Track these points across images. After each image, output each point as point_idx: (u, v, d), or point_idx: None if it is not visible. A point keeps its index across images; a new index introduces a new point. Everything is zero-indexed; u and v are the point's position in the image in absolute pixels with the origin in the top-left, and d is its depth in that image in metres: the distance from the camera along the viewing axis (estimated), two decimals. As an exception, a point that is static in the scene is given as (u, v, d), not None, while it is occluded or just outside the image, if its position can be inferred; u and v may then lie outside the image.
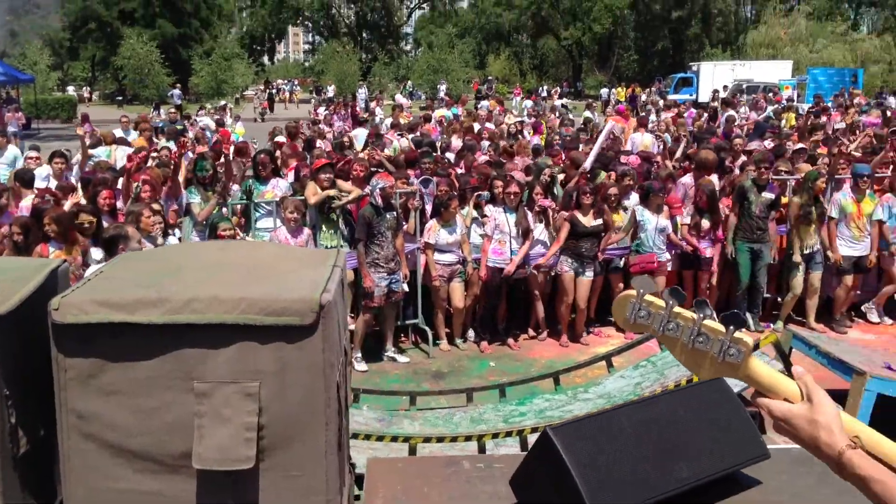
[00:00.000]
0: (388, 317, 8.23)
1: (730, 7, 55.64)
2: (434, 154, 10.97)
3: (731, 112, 18.47)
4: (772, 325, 9.06)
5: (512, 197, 8.38)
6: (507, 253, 8.34)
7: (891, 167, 9.53)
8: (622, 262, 8.86)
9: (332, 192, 8.30)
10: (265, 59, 67.88)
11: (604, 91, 42.52)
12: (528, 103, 28.63)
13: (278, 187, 8.87)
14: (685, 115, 19.54)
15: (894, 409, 5.61)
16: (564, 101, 34.78)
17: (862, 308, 9.38)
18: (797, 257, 8.77)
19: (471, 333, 8.74)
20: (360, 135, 15.14)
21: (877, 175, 9.30)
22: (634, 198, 9.01)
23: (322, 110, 26.96)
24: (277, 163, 9.84)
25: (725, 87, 32.64)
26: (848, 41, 43.85)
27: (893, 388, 5.85)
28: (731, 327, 1.46)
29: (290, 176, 9.79)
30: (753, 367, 1.47)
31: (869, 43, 43.11)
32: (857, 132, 13.48)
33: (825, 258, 8.91)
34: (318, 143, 13.33)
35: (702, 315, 1.49)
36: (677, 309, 1.51)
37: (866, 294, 9.40)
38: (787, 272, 8.99)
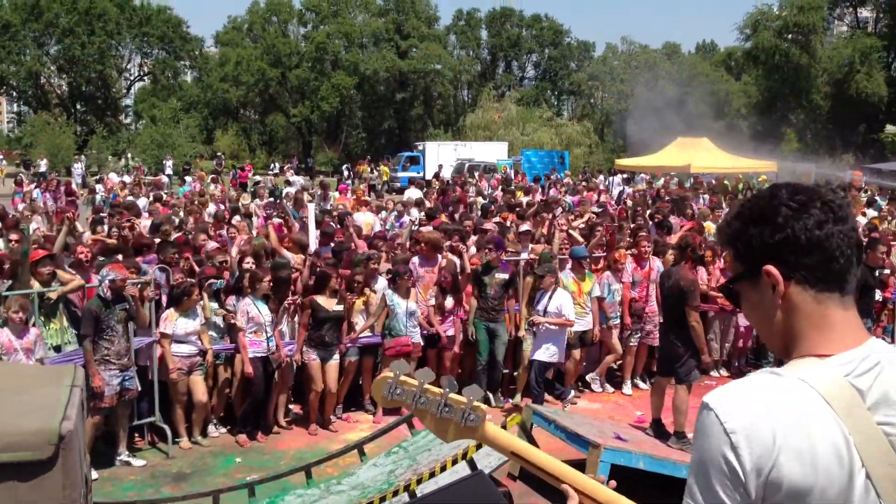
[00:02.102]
0: (120, 416, 7.56)
1: (449, 91, 59.35)
2: (174, 237, 10.42)
3: (459, 192, 19.49)
4: (510, 399, 9.47)
5: (258, 287, 8.14)
6: (265, 343, 8.04)
7: (605, 248, 10.45)
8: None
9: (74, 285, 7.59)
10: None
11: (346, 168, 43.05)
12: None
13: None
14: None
15: (627, 475, 6.05)
16: (300, 177, 34.85)
17: (587, 378, 10.09)
18: (522, 333, 9.25)
19: (211, 428, 8.25)
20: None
21: (594, 255, 10.17)
22: (382, 282, 9.10)
23: (33, 187, 24.71)
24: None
25: (441, 166, 34.53)
26: (553, 126, 48.41)
27: (625, 457, 6.33)
28: (471, 398, 1.78)
29: None
30: (488, 429, 1.81)
31: (571, 128, 47.90)
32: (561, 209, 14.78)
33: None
34: (34, 224, 12.15)
35: (447, 389, 1.80)
36: (427, 386, 1.82)
37: (590, 365, 10.14)
38: (521, 346, 9.49)
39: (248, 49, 58.43)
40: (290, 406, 8.84)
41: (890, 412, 1.41)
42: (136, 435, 8.07)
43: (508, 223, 12.59)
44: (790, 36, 45.82)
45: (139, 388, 7.64)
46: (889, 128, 29.56)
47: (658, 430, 7.87)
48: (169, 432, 7.86)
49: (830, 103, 47.23)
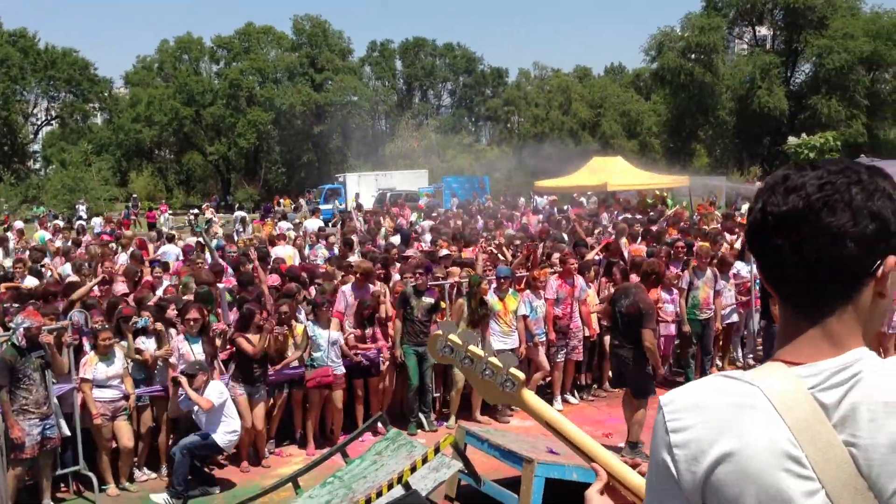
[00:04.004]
0: (43, 466, 7.33)
1: (367, 122, 59.48)
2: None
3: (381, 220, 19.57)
4: (444, 422, 9.50)
5: (192, 324, 8.00)
6: None
7: (527, 266, 10.64)
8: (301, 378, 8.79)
9: None
10: None
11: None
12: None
13: None
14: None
15: (563, 487, 6.14)
16: (217, 215, 34.41)
17: (517, 395, 10.18)
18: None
19: (137, 473, 8.05)
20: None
21: (517, 275, 10.33)
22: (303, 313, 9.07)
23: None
24: None
25: (357, 195, 34.66)
26: (473, 152, 48.96)
27: (558, 470, 6.43)
28: (507, 364, 1.84)
29: None
30: (525, 397, 1.85)
31: (490, 153, 48.51)
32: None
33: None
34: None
35: (486, 354, 1.87)
36: (471, 347, 1.89)
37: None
38: (451, 370, 9.55)
39: (160, 88, 57.48)
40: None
41: (858, 431, 1.25)
42: (62, 484, 7.81)
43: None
44: (693, 56, 47.49)
45: (62, 436, 7.41)
46: (791, 139, 30.82)
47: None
48: (95, 480, 7.63)
49: (735, 119, 49.00)
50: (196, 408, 7.57)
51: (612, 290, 10.50)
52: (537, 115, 52.65)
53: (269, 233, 16.82)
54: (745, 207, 19.61)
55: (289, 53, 60.29)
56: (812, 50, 45.71)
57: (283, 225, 20.17)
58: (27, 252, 15.28)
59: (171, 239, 17.35)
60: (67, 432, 7.49)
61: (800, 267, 1.31)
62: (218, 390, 7.66)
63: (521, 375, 1.84)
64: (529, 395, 1.85)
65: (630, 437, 7.94)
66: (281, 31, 61.59)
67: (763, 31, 53.12)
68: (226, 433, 7.66)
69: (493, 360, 1.85)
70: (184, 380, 7.58)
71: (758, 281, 11.44)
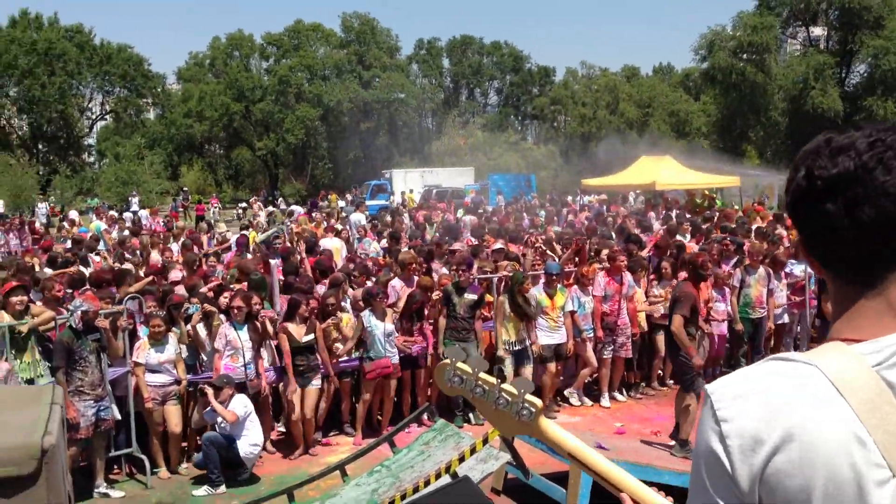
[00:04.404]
0: (97, 448, 7.47)
1: (413, 119, 59.65)
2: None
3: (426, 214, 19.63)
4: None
5: (236, 311, 8.09)
6: (241, 368, 7.99)
7: (576, 262, 10.55)
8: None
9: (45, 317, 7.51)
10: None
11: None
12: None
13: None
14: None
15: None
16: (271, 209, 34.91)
17: (565, 393, 10.14)
18: (501, 353, 9.26)
19: (196, 456, 8.17)
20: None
21: (565, 271, 10.25)
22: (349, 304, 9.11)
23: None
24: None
25: (411, 191, 34.91)
26: (519, 150, 48.80)
27: (607, 464, 6.35)
28: (522, 390, 1.65)
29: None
30: (543, 426, 1.67)
31: (537, 151, 48.32)
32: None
33: (532, 353, 9.53)
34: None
35: (499, 380, 1.67)
36: (483, 375, 1.70)
37: (567, 380, 10.20)
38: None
39: (211, 84, 58.33)
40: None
41: None
42: (114, 466, 7.97)
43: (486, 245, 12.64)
44: (745, 55, 46.73)
45: (116, 418, 7.56)
46: (845, 140, 30.24)
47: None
48: (147, 462, 7.77)
49: (787, 119, 48.14)
50: (220, 420, 7.64)
51: (660, 287, 10.43)
52: (584, 114, 52.30)
53: (317, 227, 16.95)
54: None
55: (337, 50, 60.70)
56: (868, 50, 44.68)
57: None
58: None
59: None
60: (118, 416, 7.63)
61: (854, 231, 1.20)
62: (242, 404, 7.70)
63: (539, 403, 1.67)
64: (548, 424, 1.69)
65: (680, 434, 7.83)
66: (330, 28, 62.13)
67: (817, 31, 52.01)
68: (249, 444, 7.71)
69: (508, 387, 1.68)
70: (209, 391, 7.64)
71: (812, 280, 11.22)
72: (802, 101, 45.59)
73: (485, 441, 6.08)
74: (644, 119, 52.78)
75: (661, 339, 10.28)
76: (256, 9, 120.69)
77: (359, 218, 19.18)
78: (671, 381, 10.60)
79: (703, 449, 1.24)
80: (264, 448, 8.28)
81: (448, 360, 1.73)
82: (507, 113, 62.83)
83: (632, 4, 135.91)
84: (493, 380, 1.69)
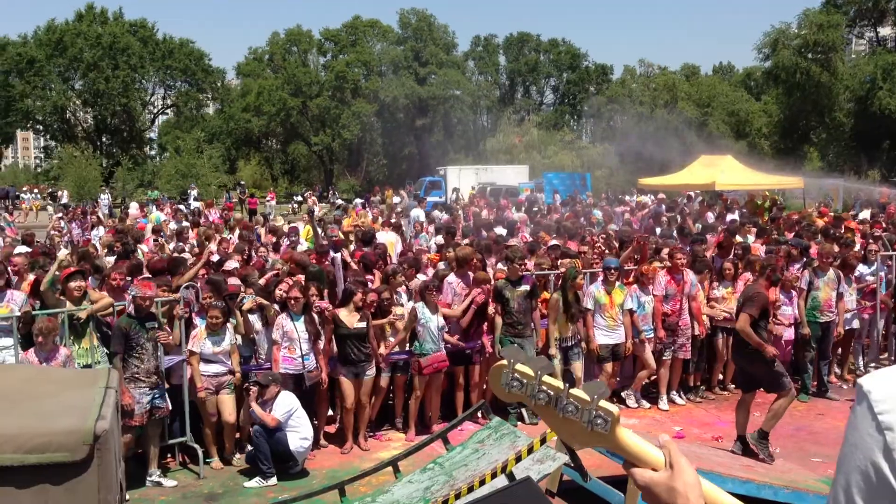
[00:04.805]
0: (151, 436, 7.47)
1: (469, 116, 59.57)
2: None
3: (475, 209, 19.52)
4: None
5: (293, 302, 8.04)
6: (298, 359, 7.95)
7: (636, 260, 10.27)
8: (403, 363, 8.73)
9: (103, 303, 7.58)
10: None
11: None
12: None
13: (14, 301, 7.85)
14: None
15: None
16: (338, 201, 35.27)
17: (622, 394, 9.89)
18: (553, 350, 9.06)
19: (248, 448, 8.14)
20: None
21: (625, 269, 9.99)
22: (404, 297, 8.98)
23: (57, 217, 24.99)
24: (10, 274, 8.77)
25: (457, 189, 34.83)
26: (575, 148, 48.31)
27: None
28: (595, 396, 1.45)
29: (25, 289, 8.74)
30: (621, 436, 1.45)
31: (592, 150, 47.79)
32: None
33: (582, 349, 9.32)
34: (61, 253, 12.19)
35: (567, 385, 1.47)
36: (547, 378, 1.49)
37: (624, 381, 9.95)
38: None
39: (269, 79, 59.09)
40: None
41: None
42: (168, 455, 7.98)
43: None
44: (810, 55, 45.51)
45: (170, 407, 7.57)
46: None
47: (744, 449, 7.79)
48: (200, 452, 7.76)
49: (853, 121, 46.79)
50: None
51: (723, 288, 10.11)
52: (642, 112, 51.56)
53: (373, 221, 16.92)
54: (864, 214, 18.48)
55: (394, 47, 60.94)
56: (941, 49, 43.20)
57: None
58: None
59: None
60: (169, 406, 7.61)
61: None
62: (287, 404, 7.56)
63: (616, 410, 1.46)
64: (628, 436, 1.46)
65: (764, 425, 7.67)
66: (387, 24, 62.42)
67: (884, 31, 50.39)
68: (299, 439, 7.60)
69: (578, 392, 1.46)
70: (253, 391, 7.54)
71: (884, 284, 10.77)
72: (869, 102, 44.24)
73: (542, 440, 5.90)
74: (703, 119, 51.81)
75: (721, 341, 10.00)
76: (315, 4, 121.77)
77: (418, 214, 19.16)
78: (732, 386, 10.29)
79: (859, 462, 1.05)
80: (317, 442, 8.22)
81: (505, 362, 1.52)
82: (563, 111, 62.38)
83: (692, 3, 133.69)
84: (559, 384, 1.48)
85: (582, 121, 63.16)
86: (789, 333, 10.13)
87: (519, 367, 1.50)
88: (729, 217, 18.12)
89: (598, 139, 52.12)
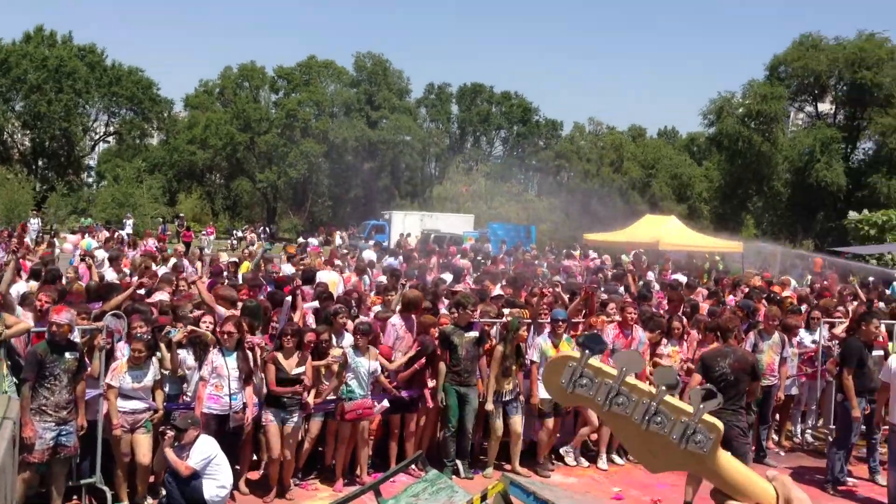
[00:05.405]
0: (56, 475, 6.87)
1: (417, 163, 59.60)
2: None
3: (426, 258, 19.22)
4: (480, 471, 8.92)
5: (226, 337, 7.56)
6: (225, 398, 7.42)
7: (584, 312, 10.06)
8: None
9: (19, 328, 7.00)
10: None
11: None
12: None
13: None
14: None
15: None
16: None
17: (560, 451, 9.57)
18: (489, 406, 8.73)
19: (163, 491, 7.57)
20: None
21: (573, 321, 9.76)
22: (349, 338, 8.58)
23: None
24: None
25: (408, 235, 34.58)
26: (521, 201, 48.59)
27: (612, 531, 5.83)
28: (702, 406, 1.15)
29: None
30: (722, 460, 1.17)
31: (538, 203, 48.12)
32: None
33: (526, 402, 9.02)
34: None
35: (663, 388, 1.19)
36: (631, 379, 1.20)
37: (563, 437, 9.64)
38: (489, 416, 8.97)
39: (218, 113, 58.37)
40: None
41: None
42: (74, 496, 7.36)
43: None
44: (753, 124, 46.81)
45: (77, 446, 6.97)
46: (852, 214, 30.13)
47: None
48: (109, 495, 7.17)
49: (790, 191, 48.10)
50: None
51: (671, 346, 9.93)
52: (588, 170, 52.27)
53: (317, 260, 16.47)
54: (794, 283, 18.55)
55: (347, 89, 60.91)
56: (875, 128, 44.82)
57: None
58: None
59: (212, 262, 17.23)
60: (77, 445, 7.00)
61: None
62: (205, 451, 6.96)
63: (720, 425, 1.19)
64: (730, 461, 1.19)
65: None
66: (342, 65, 62.41)
67: (824, 106, 52.25)
68: (216, 486, 7.00)
69: (674, 401, 1.19)
70: (169, 435, 6.97)
71: (823, 352, 10.73)
72: (807, 174, 45.59)
73: (483, 497, 5.55)
74: (647, 180, 52.77)
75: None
76: (270, 42, 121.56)
77: (369, 255, 18.94)
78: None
79: None
80: (237, 488, 7.69)
81: (571, 353, 1.24)
82: (512, 163, 62.86)
83: (641, 67, 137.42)
84: (647, 388, 1.19)
85: (529, 174, 63.74)
86: None
87: (594, 363, 1.22)
88: (673, 276, 18.20)
89: (544, 193, 52.57)
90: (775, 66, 48.99)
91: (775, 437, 10.82)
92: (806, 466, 9.97)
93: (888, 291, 17.39)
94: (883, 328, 9.98)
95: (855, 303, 13.37)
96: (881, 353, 9.54)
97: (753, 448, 10.02)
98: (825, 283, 17.63)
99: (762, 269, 23.47)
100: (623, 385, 1.19)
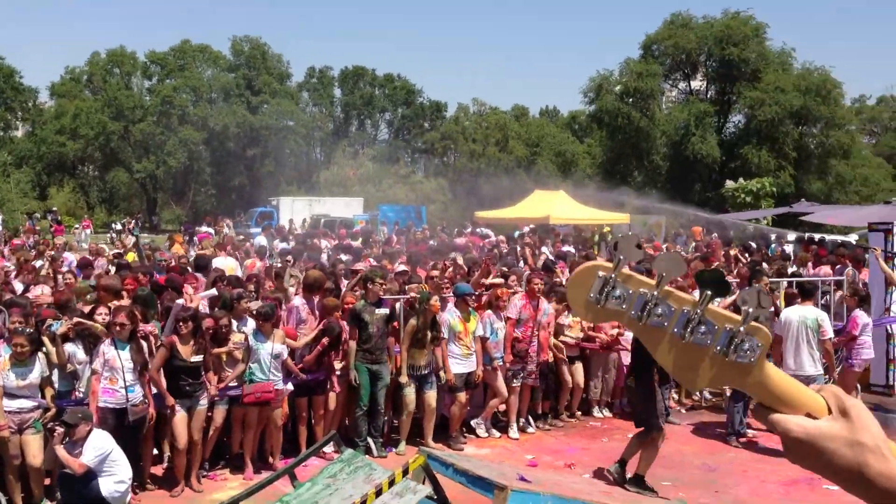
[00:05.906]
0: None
1: (302, 148, 58.55)
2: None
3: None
4: (393, 448, 8.80)
5: (118, 329, 7.11)
6: (121, 391, 6.99)
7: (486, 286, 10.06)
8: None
9: None
10: None
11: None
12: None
13: None
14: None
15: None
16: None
17: (471, 423, 9.56)
18: (404, 378, 8.66)
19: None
20: None
21: (476, 294, 9.73)
22: (251, 323, 8.26)
23: None
24: None
25: (304, 221, 34.05)
26: (409, 183, 48.53)
27: (533, 499, 5.80)
28: (751, 311, 1.06)
29: None
30: (768, 370, 1.08)
31: (427, 185, 48.19)
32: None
33: (437, 377, 8.95)
34: None
35: (708, 294, 1.06)
36: (671, 290, 1.08)
37: (474, 409, 9.63)
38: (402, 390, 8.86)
39: (88, 101, 55.56)
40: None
41: None
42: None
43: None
44: (631, 100, 48.16)
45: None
46: (729, 183, 31.64)
47: (621, 473, 7.79)
48: (3, 501, 6.68)
49: (669, 164, 49.83)
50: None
51: (572, 316, 10.05)
52: (474, 150, 52.63)
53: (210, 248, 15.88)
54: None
55: (225, 74, 59.09)
56: (745, 101, 46.87)
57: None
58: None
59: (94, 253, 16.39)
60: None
61: None
62: (99, 446, 6.58)
63: (768, 331, 1.09)
64: (772, 369, 1.10)
65: (638, 469, 7.64)
66: (218, 50, 60.48)
67: (696, 83, 54.27)
68: (113, 483, 6.63)
69: (718, 310, 1.08)
70: (58, 431, 6.57)
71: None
72: (683, 147, 47.27)
73: (405, 472, 5.42)
74: (532, 158, 53.61)
75: (568, 369, 9.94)
76: (140, 26, 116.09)
77: (261, 241, 18.61)
78: (579, 413, 10.29)
79: None
80: (141, 485, 7.30)
81: (600, 262, 1.10)
82: (398, 146, 62.64)
83: (522, 48, 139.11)
84: (686, 296, 1.07)
85: (416, 156, 63.67)
86: (628, 358, 10.20)
87: (629, 273, 1.08)
88: (564, 248, 18.53)
89: (432, 174, 52.65)
90: (648, 44, 50.49)
91: (675, 396, 11.13)
92: (707, 422, 10.30)
93: (769, 252, 18.25)
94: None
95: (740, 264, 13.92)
96: (771, 310, 9.94)
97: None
98: (707, 249, 18.32)
99: (649, 238, 24.20)
100: (660, 293, 1.07)
